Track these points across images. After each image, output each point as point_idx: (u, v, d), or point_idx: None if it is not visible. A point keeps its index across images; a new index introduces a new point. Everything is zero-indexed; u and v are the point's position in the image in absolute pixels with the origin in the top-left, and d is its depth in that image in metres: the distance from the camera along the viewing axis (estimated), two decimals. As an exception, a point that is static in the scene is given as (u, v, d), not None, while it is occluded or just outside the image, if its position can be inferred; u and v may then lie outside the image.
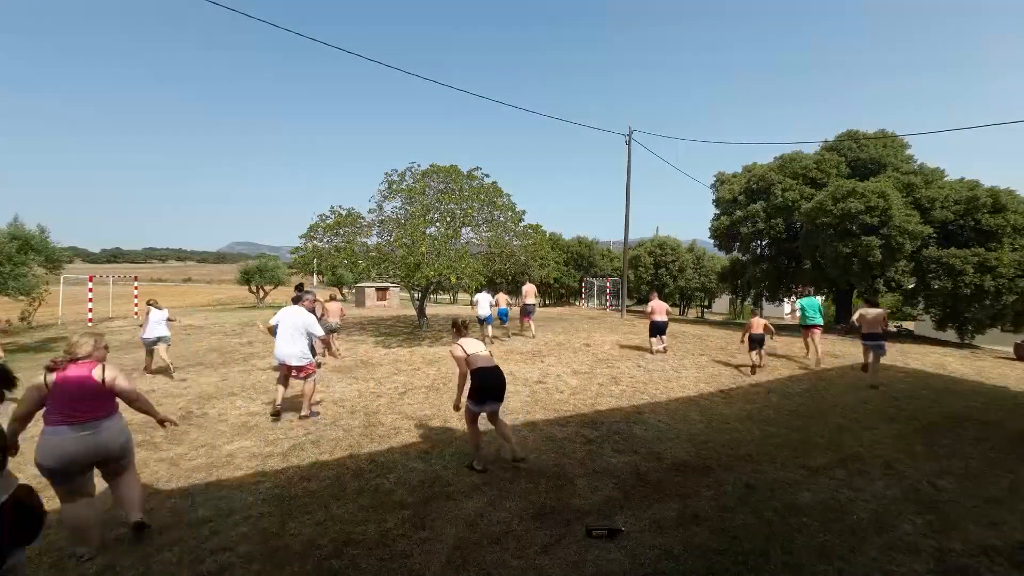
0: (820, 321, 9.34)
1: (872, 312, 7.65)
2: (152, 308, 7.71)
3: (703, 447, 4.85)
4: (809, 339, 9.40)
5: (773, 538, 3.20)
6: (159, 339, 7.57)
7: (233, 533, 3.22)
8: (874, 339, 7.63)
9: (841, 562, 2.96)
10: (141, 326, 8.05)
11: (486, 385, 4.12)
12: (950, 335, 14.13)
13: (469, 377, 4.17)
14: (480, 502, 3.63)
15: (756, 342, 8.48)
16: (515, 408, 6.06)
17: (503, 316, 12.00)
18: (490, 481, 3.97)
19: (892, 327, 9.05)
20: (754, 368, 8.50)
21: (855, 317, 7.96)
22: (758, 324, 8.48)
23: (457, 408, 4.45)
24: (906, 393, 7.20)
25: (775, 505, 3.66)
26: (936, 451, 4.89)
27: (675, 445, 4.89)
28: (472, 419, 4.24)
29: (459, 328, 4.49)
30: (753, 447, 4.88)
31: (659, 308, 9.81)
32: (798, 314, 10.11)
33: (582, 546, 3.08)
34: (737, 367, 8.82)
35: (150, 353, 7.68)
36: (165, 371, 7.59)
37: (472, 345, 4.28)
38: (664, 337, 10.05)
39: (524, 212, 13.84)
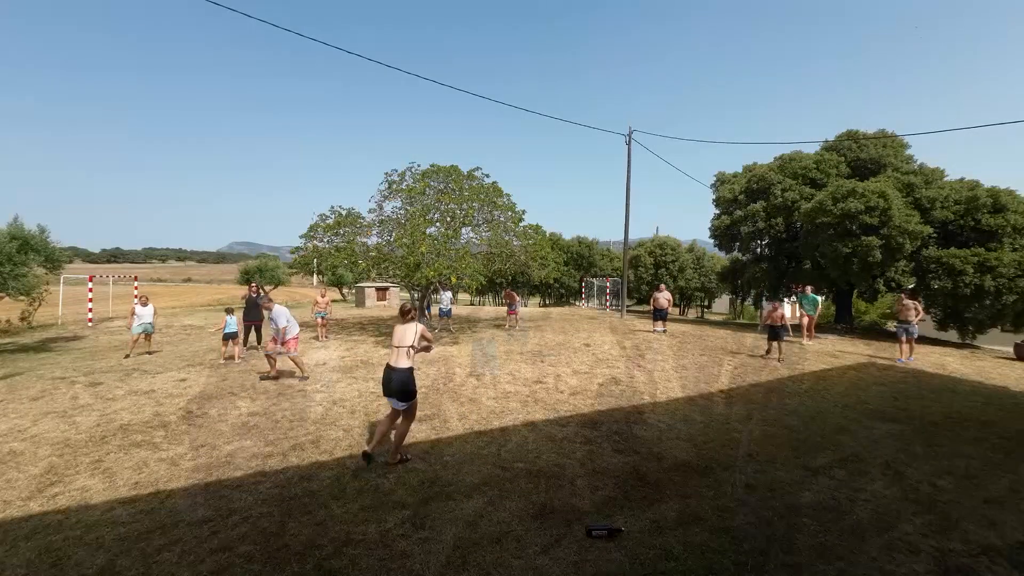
0: (813, 312, 12.00)
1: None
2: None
3: (703, 447, 4.85)
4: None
5: (773, 538, 3.20)
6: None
7: (233, 533, 3.22)
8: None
9: (841, 562, 2.96)
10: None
11: (383, 380, 4.37)
12: (950, 335, 14.12)
13: None
14: (480, 502, 3.63)
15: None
16: (515, 408, 6.06)
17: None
18: (490, 481, 3.98)
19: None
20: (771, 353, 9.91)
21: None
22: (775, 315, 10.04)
23: None
24: (906, 393, 7.20)
25: (775, 505, 3.66)
26: (936, 451, 4.88)
27: (675, 445, 4.89)
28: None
29: (403, 313, 4.64)
30: (753, 447, 4.88)
31: (659, 297, 13.10)
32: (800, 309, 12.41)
33: (582, 546, 3.08)
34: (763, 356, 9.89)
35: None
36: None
37: (399, 337, 4.39)
38: (663, 322, 13.03)
39: (524, 212, 13.85)
